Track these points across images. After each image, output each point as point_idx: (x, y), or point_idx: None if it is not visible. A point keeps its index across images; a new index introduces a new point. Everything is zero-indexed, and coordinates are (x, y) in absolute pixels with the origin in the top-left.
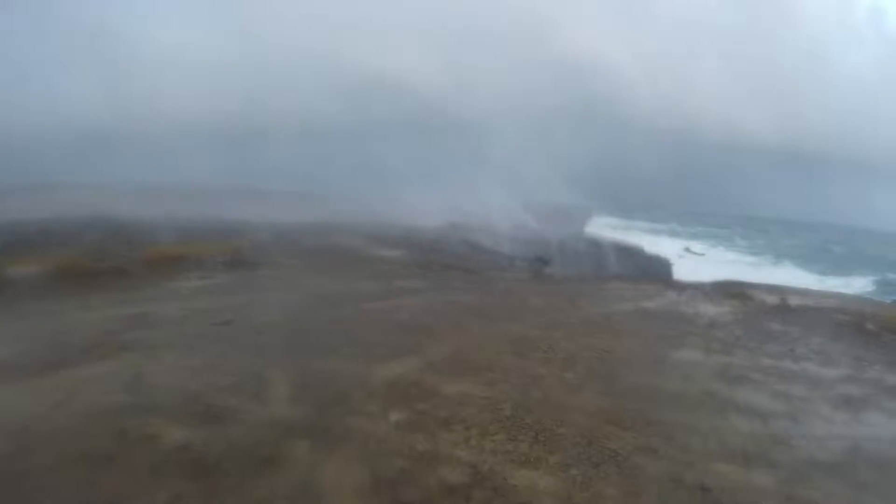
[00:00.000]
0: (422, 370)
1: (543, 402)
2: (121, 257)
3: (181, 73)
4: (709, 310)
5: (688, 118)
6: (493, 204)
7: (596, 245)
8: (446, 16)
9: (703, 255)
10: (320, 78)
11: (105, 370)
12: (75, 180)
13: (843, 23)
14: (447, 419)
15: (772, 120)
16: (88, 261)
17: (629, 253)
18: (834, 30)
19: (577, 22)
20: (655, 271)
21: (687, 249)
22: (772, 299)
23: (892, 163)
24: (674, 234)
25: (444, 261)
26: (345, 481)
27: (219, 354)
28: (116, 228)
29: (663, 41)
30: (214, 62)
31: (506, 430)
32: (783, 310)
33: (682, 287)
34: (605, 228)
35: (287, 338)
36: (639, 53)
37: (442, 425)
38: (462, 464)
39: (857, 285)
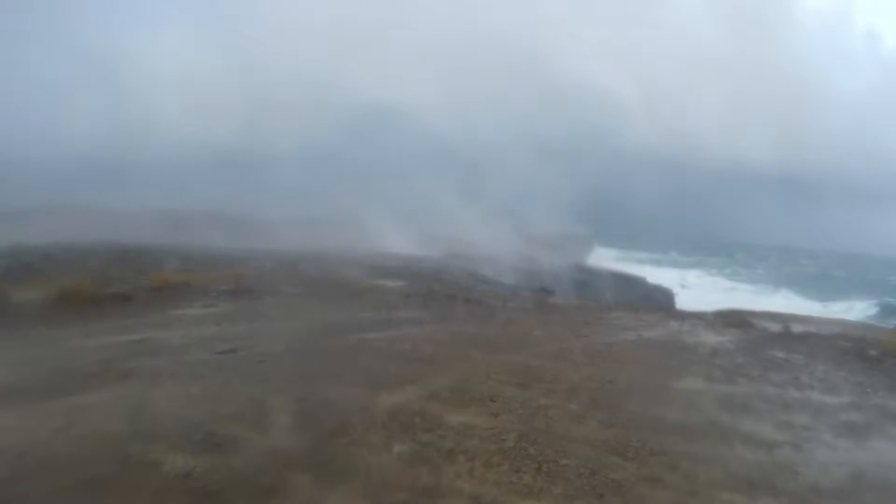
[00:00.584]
0: (425, 400)
1: (547, 432)
2: (125, 284)
3: (184, 99)
4: (711, 339)
5: (686, 147)
6: (494, 234)
7: (598, 275)
8: (446, 47)
9: (699, 284)
10: (321, 108)
11: (107, 397)
12: (79, 205)
13: (839, 49)
14: (451, 450)
15: (770, 147)
16: (92, 287)
17: (631, 282)
18: (830, 56)
19: (576, 53)
20: (657, 300)
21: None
22: (774, 327)
23: (890, 188)
24: (675, 263)
25: (447, 291)
26: None
27: (221, 383)
28: (120, 254)
29: (661, 71)
30: (217, 90)
31: (509, 460)
32: (786, 337)
33: (684, 316)
34: (606, 258)
35: (289, 367)
36: (637, 83)
37: (445, 456)
38: (465, 496)
39: (858, 310)
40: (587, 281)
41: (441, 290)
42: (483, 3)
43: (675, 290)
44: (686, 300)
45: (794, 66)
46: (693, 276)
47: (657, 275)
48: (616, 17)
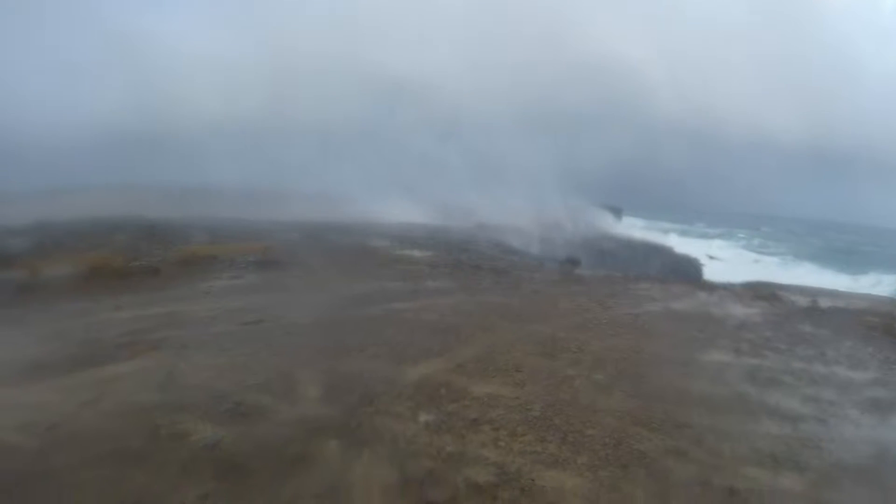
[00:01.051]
0: (451, 371)
1: (572, 403)
2: (152, 257)
3: (208, 75)
4: (738, 311)
5: (713, 118)
6: (520, 205)
7: (625, 245)
8: (468, 17)
9: (726, 256)
10: (343, 80)
11: (136, 368)
12: (106, 182)
13: (869, 21)
14: (476, 420)
15: (798, 119)
16: (120, 261)
17: (658, 253)
18: (860, 28)
19: (601, 23)
20: (685, 272)
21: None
22: (802, 301)
23: None
24: (701, 234)
25: (473, 261)
26: (373, 481)
27: (248, 353)
28: (148, 229)
29: (687, 41)
30: (240, 65)
31: (534, 430)
32: (813, 311)
33: (712, 288)
34: (633, 229)
35: (316, 337)
36: (663, 53)
37: (470, 426)
38: (490, 464)
39: (886, 284)
40: (614, 251)
41: (468, 261)
42: None
43: (703, 260)
44: (714, 272)
45: (822, 41)
46: (719, 247)
47: (683, 245)
48: None
